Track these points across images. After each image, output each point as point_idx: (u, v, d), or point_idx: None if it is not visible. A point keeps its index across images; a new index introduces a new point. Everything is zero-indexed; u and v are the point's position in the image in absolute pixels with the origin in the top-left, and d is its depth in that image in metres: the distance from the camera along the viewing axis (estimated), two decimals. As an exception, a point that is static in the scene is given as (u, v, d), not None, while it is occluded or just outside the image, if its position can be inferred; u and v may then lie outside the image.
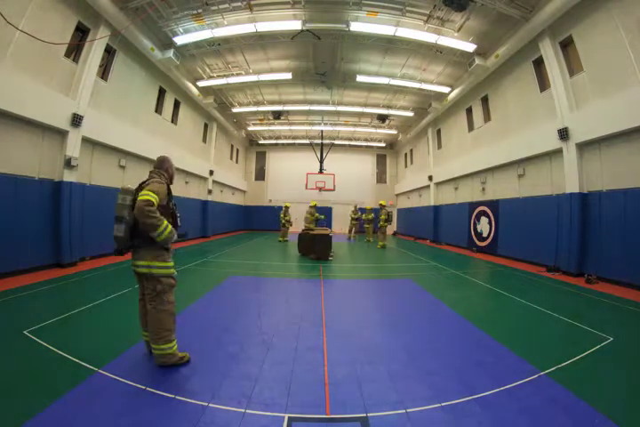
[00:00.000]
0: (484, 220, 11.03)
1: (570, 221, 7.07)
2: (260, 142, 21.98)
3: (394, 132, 18.43)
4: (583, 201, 6.92)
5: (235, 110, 14.95)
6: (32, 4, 5.72)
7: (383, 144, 21.45)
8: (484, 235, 10.92)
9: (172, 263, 2.66)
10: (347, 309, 4.36)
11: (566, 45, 7.37)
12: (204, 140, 15.19)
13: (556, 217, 7.66)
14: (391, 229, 21.50)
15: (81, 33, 7.16)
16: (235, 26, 8.57)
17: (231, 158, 19.26)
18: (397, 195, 21.88)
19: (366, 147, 21.94)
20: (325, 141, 18.22)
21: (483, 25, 8.38)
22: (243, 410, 2.04)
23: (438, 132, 15.29)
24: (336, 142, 20.24)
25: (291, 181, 20.90)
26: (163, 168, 2.78)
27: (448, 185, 14.22)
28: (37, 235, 6.25)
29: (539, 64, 8.30)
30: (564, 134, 7.20)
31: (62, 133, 6.80)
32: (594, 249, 6.66)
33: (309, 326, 3.61)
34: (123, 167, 9.10)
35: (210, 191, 15.19)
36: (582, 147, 7.04)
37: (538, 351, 3.00)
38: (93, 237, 7.71)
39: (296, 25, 8.49)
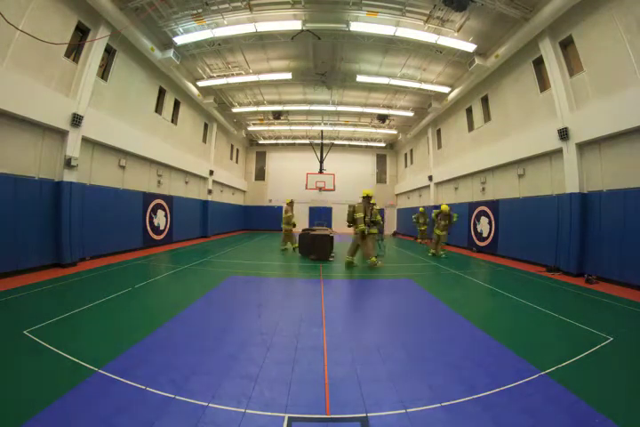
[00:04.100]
0: (484, 220, 11.03)
1: (570, 221, 7.06)
2: (260, 142, 21.97)
3: (394, 132, 18.42)
4: (583, 201, 6.92)
5: (235, 110, 14.95)
6: (32, 4, 5.72)
7: (383, 144, 21.45)
8: (484, 235, 10.92)
9: None
10: (347, 309, 4.36)
11: (566, 45, 7.36)
12: (204, 140, 15.20)
13: (556, 217, 7.65)
14: (391, 229, 21.54)
15: (81, 33, 7.15)
16: (235, 26, 8.57)
17: (231, 158, 19.26)
18: (397, 195, 21.87)
19: (366, 147, 21.93)
20: (325, 141, 18.22)
21: (483, 25, 8.38)
22: (243, 410, 2.04)
23: (438, 132, 15.29)
24: (336, 142, 20.23)
25: (291, 181, 20.89)
26: None
27: (448, 185, 14.21)
28: (37, 235, 6.24)
29: (539, 64, 8.29)
30: (564, 134, 7.20)
31: (62, 133, 6.80)
32: (594, 249, 6.66)
33: (309, 326, 3.61)
34: (123, 167, 9.11)
35: (210, 191, 15.19)
36: (582, 147, 7.04)
37: (538, 351, 2.99)
38: (93, 237, 7.73)
39: (296, 25, 8.48)
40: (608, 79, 6.32)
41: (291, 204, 10.94)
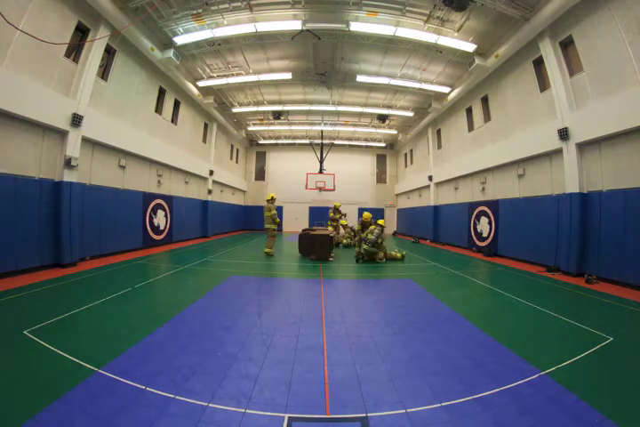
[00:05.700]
0: (484, 220, 11.03)
1: (570, 221, 7.06)
2: (260, 142, 21.97)
3: (394, 132, 18.41)
4: (583, 201, 6.91)
5: (235, 110, 14.94)
6: (32, 4, 5.71)
7: (383, 144, 21.44)
8: (484, 235, 10.91)
9: None
10: (347, 309, 4.36)
11: (566, 45, 7.36)
12: (204, 140, 15.19)
13: (556, 217, 7.65)
14: (391, 228, 21.54)
15: (81, 33, 7.15)
16: (235, 26, 8.56)
17: (231, 158, 19.26)
18: (397, 195, 21.88)
19: (366, 147, 21.93)
20: (325, 141, 18.22)
21: (483, 25, 8.37)
22: (243, 410, 2.04)
23: (438, 132, 15.29)
24: (336, 142, 20.23)
25: (291, 181, 20.89)
26: None
27: (448, 185, 14.21)
28: (37, 235, 6.24)
29: (539, 64, 8.30)
30: (564, 134, 7.20)
31: (62, 133, 6.80)
32: (594, 249, 6.65)
33: (309, 326, 3.61)
34: (123, 167, 9.11)
35: (210, 191, 15.19)
36: (582, 147, 7.04)
37: (538, 351, 2.99)
38: (93, 237, 7.73)
39: (296, 25, 8.48)
40: (608, 79, 6.32)
41: (272, 200, 10.00)
